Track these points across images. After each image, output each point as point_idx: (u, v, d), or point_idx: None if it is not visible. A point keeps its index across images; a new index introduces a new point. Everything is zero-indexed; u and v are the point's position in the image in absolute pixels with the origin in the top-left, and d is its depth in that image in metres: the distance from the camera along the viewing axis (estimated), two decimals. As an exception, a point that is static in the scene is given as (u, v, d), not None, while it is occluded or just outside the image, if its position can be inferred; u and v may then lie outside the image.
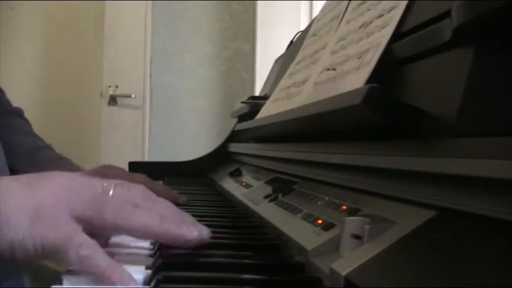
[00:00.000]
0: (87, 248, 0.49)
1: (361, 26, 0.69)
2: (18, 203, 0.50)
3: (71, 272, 0.49)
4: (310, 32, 1.02)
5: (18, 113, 1.24)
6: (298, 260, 0.52)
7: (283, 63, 1.37)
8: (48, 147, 1.21)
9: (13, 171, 1.01)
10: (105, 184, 0.54)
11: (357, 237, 0.44)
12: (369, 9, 0.69)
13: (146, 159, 2.47)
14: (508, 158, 0.31)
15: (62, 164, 1.11)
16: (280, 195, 0.75)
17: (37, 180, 0.53)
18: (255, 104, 1.22)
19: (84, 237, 0.50)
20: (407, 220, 0.41)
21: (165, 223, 0.54)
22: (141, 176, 0.97)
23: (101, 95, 2.53)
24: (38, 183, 0.52)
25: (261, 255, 0.57)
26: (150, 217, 0.54)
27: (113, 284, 0.47)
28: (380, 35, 0.60)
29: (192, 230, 0.55)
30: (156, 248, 0.59)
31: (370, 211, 0.48)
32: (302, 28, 1.47)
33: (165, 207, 0.58)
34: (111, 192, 0.54)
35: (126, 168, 1.54)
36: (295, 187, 0.75)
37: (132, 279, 0.48)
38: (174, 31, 2.58)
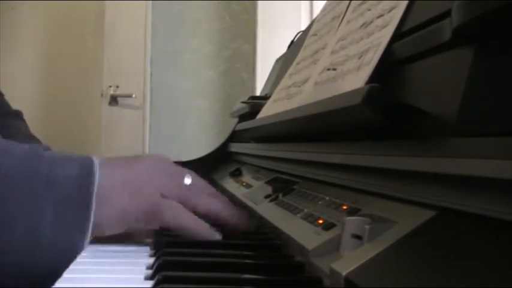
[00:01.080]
0: (177, 208, 0.61)
1: (361, 26, 0.69)
2: (118, 179, 0.60)
3: (70, 272, 0.49)
4: (311, 32, 1.02)
5: (18, 115, 1.25)
6: (298, 259, 0.52)
7: (283, 63, 1.37)
8: (48, 149, 1.22)
9: None
10: (186, 173, 0.68)
11: (357, 237, 0.44)
12: (369, 9, 0.69)
13: (146, 159, 2.47)
14: (508, 158, 0.31)
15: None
16: (280, 195, 0.75)
17: (132, 160, 0.65)
18: (256, 104, 1.22)
19: (172, 202, 0.61)
20: (408, 220, 0.41)
21: (231, 211, 0.67)
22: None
23: (102, 95, 2.53)
24: (133, 162, 0.64)
25: (261, 255, 0.57)
26: (220, 203, 0.67)
27: (200, 235, 0.61)
28: (380, 34, 0.60)
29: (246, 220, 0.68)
30: (156, 247, 0.59)
31: (370, 211, 0.48)
32: (302, 28, 1.47)
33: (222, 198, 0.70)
34: (189, 181, 0.67)
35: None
36: (295, 187, 0.75)
37: (214, 233, 0.62)
38: (174, 31, 2.58)
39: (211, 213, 0.64)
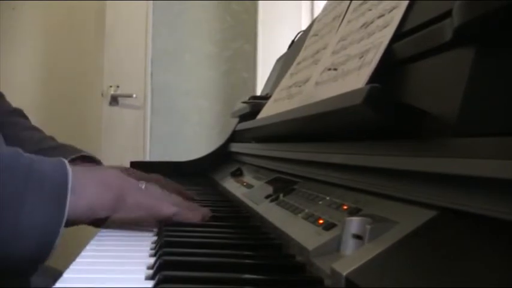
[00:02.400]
0: (139, 194, 0.72)
1: (362, 26, 0.69)
2: (88, 177, 0.68)
3: (71, 271, 0.50)
4: (312, 32, 1.02)
5: (19, 113, 1.28)
6: (299, 259, 0.52)
7: (284, 63, 1.37)
8: (51, 138, 1.28)
9: None
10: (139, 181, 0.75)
11: (358, 237, 0.44)
12: (370, 9, 0.69)
13: (147, 159, 2.47)
14: (508, 158, 0.31)
15: (66, 148, 1.21)
16: (281, 195, 0.75)
17: (95, 168, 0.77)
18: (256, 104, 1.22)
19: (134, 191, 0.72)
20: (408, 220, 0.41)
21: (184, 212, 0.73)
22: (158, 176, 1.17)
23: (102, 95, 2.53)
24: (98, 168, 0.77)
25: (261, 255, 0.57)
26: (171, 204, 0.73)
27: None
28: (381, 35, 0.60)
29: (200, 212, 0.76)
30: (157, 248, 0.59)
31: (371, 211, 0.48)
32: (303, 28, 1.47)
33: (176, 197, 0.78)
34: (143, 186, 0.74)
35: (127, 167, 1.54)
36: (296, 187, 0.75)
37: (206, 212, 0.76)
38: (175, 31, 2.57)
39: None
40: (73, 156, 1.11)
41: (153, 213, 0.72)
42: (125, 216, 0.70)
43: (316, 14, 1.88)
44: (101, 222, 0.73)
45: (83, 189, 0.65)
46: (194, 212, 0.75)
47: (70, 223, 0.63)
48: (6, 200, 0.58)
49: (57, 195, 0.61)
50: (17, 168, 0.61)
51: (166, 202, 0.73)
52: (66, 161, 0.65)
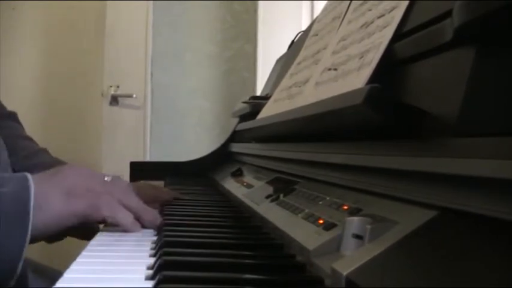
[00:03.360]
0: (112, 204, 0.69)
1: (362, 26, 0.69)
2: (51, 187, 0.66)
3: (71, 272, 0.50)
4: (312, 32, 1.02)
5: (12, 117, 1.27)
6: (299, 259, 0.52)
7: (284, 63, 1.37)
8: (44, 151, 1.25)
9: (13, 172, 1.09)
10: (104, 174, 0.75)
11: (358, 237, 0.44)
12: (370, 10, 0.69)
13: (147, 159, 2.47)
14: (508, 158, 0.31)
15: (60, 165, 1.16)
16: (281, 195, 0.75)
17: (58, 170, 0.71)
18: (256, 104, 1.22)
19: (108, 198, 0.70)
20: (409, 220, 0.41)
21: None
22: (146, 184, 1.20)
23: (102, 94, 2.53)
24: (60, 172, 0.70)
25: (262, 255, 0.57)
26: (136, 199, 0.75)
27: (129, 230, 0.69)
28: (381, 35, 0.60)
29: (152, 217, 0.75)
30: (157, 248, 0.59)
31: (371, 211, 0.48)
32: (303, 28, 1.47)
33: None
34: (109, 179, 0.74)
35: (127, 167, 1.54)
36: (296, 187, 0.75)
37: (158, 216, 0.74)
38: (175, 31, 2.57)
39: (132, 209, 0.73)
40: None
41: (123, 226, 0.70)
42: (99, 216, 0.69)
43: (316, 14, 1.88)
44: (89, 233, 0.73)
45: (47, 202, 0.64)
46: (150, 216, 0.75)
47: (40, 238, 0.64)
48: None
49: (20, 216, 0.61)
50: None
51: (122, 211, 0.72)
52: (29, 178, 0.64)
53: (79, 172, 0.72)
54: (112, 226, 0.72)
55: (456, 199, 0.37)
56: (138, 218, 0.73)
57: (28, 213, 0.61)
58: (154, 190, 1.03)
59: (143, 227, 0.73)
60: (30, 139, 1.27)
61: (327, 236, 0.49)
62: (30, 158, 1.19)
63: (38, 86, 2.75)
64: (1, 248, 0.59)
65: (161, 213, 0.82)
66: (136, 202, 0.74)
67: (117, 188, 0.73)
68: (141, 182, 1.28)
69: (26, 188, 0.63)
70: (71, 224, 0.67)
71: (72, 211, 0.66)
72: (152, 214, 0.75)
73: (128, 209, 0.72)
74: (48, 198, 0.65)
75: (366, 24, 0.67)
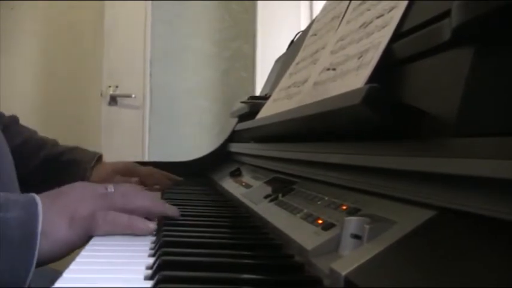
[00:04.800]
0: (110, 216, 0.69)
1: (361, 26, 0.69)
2: (55, 212, 0.66)
3: (70, 272, 0.49)
4: (311, 32, 1.02)
5: (16, 120, 1.29)
6: (298, 259, 0.52)
7: (283, 63, 1.38)
8: (56, 144, 1.33)
9: (52, 159, 1.23)
10: (106, 186, 0.75)
11: (357, 237, 0.44)
12: (369, 9, 0.69)
13: (146, 159, 2.47)
14: (508, 158, 0.31)
15: (79, 151, 1.32)
16: (280, 195, 0.75)
17: (60, 193, 0.71)
18: (255, 104, 1.22)
19: (105, 213, 0.69)
20: (407, 220, 0.41)
21: (153, 202, 0.76)
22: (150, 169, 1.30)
23: (101, 95, 2.53)
24: (62, 194, 0.71)
25: (260, 255, 0.57)
26: (143, 199, 0.75)
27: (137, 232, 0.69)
28: (380, 35, 0.60)
29: (167, 208, 0.77)
30: (156, 248, 0.59)
31: (370, 211, 0.48)
32: (302, 28, 1.47)
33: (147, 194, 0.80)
34: (112, 189, 0.75)
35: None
36: (295, 187, 0.75)
37: (149, 227, 0.70)
38: (174, 31, 2.57)
39: (138, 209, 0.73)
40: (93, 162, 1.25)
41: (132, 231, 0.70)
42: (101, 233, 0.69)
43: (315, 14, 1.89)
44: None
45: (53, 229, 0.64)
46: (164, 208, 0.76)
47: (43, 264, 0.64)
48: None
49: (26, 244, 0.60)
50: None
51: (140, 218, 0.71)
52: (38, 203, 0.64)
53: (81, 194, 0.71)
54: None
55: (455, 199, 0.37)
56: (149, 214, 0.73)
57: (35, 241, 0.61)
58: (154, 177, 1.06)
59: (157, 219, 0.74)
60: (33, 138, 1.31)
61: (326, 236, 0.49)
62: (69, 153, 1.27)
63: (37, 86, 2.75)
64: (7, 274, 0.59)
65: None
66: (141, 202, 0.74)
67: (121, 198, 0.73)
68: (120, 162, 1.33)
69: (34, 215, 0.63)
70: (75, 249, 0.67)
71: (73, 239, 0.66)
72: (161, 205, 0.77)
73: (137, 213, 0.72)
74: (54, 225, 0.65)
75: (365, 24, 0.67)
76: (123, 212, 0.71)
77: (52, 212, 0.66)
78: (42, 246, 0.61)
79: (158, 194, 1.08)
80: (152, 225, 0.70)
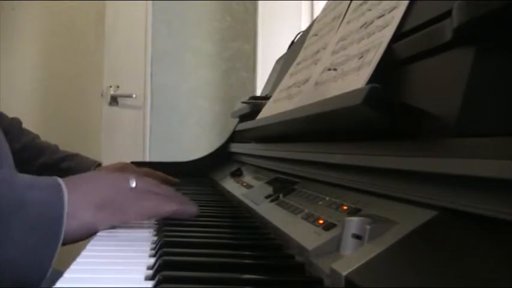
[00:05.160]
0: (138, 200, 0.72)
1: (362, 26, 0.69)
2: (81, 196, 0.67)
3: (71, 272, 0.50)
4: (311, 32, 1.02)
5: (19, 121, 1.31)
6: (298, 260, 0.52)
7: (284, 63, 1.38)
8: (57, 150, 1.35)
9: (49, 166, 1.26)
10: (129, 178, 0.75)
11: (358, 237, 0.44)
12: (370, 10, 0.69)
13: (147, 159, 2.47)
14: (508, 158, 0.31)
15: (80, 158, 1.34)
16: (281, 196, 0.75)
17: (88, 178, 0.74)
18: (256, 104, 1.22)
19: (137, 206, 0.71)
20: (408, 220, 0.41)
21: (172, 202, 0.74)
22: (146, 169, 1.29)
23: (102, 95, 2.53)
24: (90, 180, 0.73)
25: (261, 255, 0.57)
26: (162, 199, 0.75)
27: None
28: (381, 35, 0.60)
29: (191, 205, 0.77)
30: (157, 248, 0.59)
31: (370, 211, 0.48)
32: (303, 28, 1.47)
33: (168, 190, 0.80)
34: (134, 183, 0.74)
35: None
36: (296, 187, 0.75)
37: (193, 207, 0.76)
38: (175, 31, 2.57)
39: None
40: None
41: (154, 214, 0.73)
42: (127, 222, 0.71)
43: (316, 14, 1.88)
44: None
45: (79, 212, 0.65)
46: (190, 208, 0.77)
47: (68, 243, 0.65)
48: None
49: (51, 228, 0.61)
50: (6, 203, 0.60)
51: (165, 200, 0.74)
52: (62, 185, 0.65)
53: (105, 182, 0.73)
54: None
55: (456, 199, 0.37)
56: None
57: (61, 224, 0.61)
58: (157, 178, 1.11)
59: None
60: (44, 141, 1.33)
61: (327, 236, 0.49)
62: (56, 153, 1.26)
63: (38, 86, 2.75)
64: (31, 256, 0.59)
65: None
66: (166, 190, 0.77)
67: (142, 192, 0.74)
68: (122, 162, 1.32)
69: (59, 197, 0.63)
70: (93, 234, 0.68)
71: (98, 224, 0.67)
72: (189, 202, 0.78)
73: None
74: (79, 208, 0.65)
75: (366, 24, 0.67)
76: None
77: (78, 195, 0.66)
78: (67, 227, 0.62)
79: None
80: (174, 207, 0.73)
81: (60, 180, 0.66)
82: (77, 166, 1.28)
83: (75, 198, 0.65)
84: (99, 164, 1.33)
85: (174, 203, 0.74)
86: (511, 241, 0.30)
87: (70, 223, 0.63)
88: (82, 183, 0.71)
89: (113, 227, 0.70)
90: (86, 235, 0.67)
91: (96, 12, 2.63)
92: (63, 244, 0.64)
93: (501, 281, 0.28)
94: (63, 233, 0.61)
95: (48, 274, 0.60)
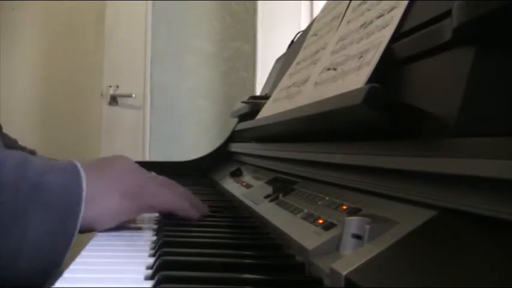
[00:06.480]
0: (159, 192, 0.72)
1: (361, 26, 0.69)
2: (102, 180, 0.66)
3: (70, 271, 0.50)
4: (311, 32, 1.02)
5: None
6: (298, 259, 0.52)
7: (283, 63, 1.38)
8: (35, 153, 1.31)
9: None
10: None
11: (358, 237, 0.44)
12: (369, 9, 0.69)
13: (147, 159, 2.47)
14: (508, 158, 0.31)
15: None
16: (280, 195, 0.75)
17: (107, 162, 0.72)
18: (256, 103, 1.22)
19: (153, 188, 0.71)
20: (408, 220, 0.41)
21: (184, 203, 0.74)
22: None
23: (102, 94, 2.53)
24: (109, 164, 0.71)
25: (261, 255, 0.57)
26: (175, 196, 0.74)
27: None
28: (380, 35, 0.60)
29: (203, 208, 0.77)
30: (156, 247, 0.59)
31: (370, 211, 0.48)
32: (302, 28, 1.47)
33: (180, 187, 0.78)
34: (153, 174, 0.75)
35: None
36: (295, 187, 0.75)
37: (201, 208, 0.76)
38: (175, 31, 2.57)
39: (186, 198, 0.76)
40: None
41: (173, 209, 0.72)
42: (153, 211, 0.72)
43: (315, 14, 1.88)
44: None
45: (101, 196, 0.64)
46: (196, 211, 0.76)
47: (91, 230, 0.64)
48: (9, 220, 0.57)
49: (69, 211, 0.60)
50: (22, 187, 0.59)
51: (184, 201, 0.74)
52: (80, 168, 0.63)
53: (129, 168, 0.72)
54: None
55: (456, 199, 0.37)
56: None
57: (80, 207, 0.60)
58: None
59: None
60: (21, 146, 1.31)
61: (326, 236, 0.49)
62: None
63: (38, 86, 2.75)
64: (49, 240, 0.59)
65: None
66: (185, 193, 0.76)
67: (163, 184, 0.74)
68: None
69: (78, 181, 0.62)
70: (119, 223, 0.68)
71: (124, 211, 0.67)
72: (190, 201, 0.76)
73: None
74: (101, 192, 0.64)
75: (365, 24, 0.67)
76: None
77: (102, 181, 0.65)
78: (88, 210, 0.61)
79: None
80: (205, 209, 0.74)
81: (78, 164, 0.65)
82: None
83: (96, 182, 0.64)
84: None
85: (187, 203, 0.74)
86: (511, 241, 0.30)
87: (91, 206, 0.62)
88: (105, 167, 0.70)
89: (112, 227, 0.70)
90: (113, 221, 0.66)
91: (96, 12, 2.63)
92: (94, 229, 0.64)
93: (501, 281, 0.28)
94: (80, 217, 0.60)
95: (64, 259, 0.59)
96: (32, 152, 1.30)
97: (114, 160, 0.73)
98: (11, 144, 1.27)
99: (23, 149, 1.29)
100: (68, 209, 0.60)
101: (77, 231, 0.60)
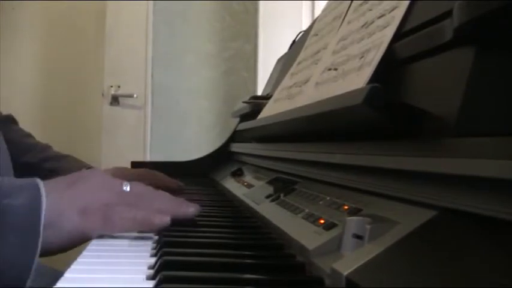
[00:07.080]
0: (124, 212, 0.66)
1: (362, 26, 0.69)
2: (65, 201, 0.63)
3: (72, 271, 0.50)
4: (312, 32, 1.02)
5: (11, 119, 1.29)
6: (299, 259, 0.52)
7: (285, 63, 1.38)
8: (48, 146, 1.32)
9: (31, 166, 1.22)
10: (122, 182, 0.71)
11: (358, 237, 0.44)
12: (371, 9, 0.69)
13: (148, 159, 2.47)
14: (508, 158, 0.31)
15: (69, 160, 1.28)
16: (281, 195, 0.75)
17: (74, 180, 0.68)
18: (257, 103, 1.22)
19: (119, 208, 0.66)
20: (409, 220, 0.41)
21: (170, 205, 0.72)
22: (146, 170, 1.24)
23: (103, 94, 2.53)
24: (76, 182, 0.67)
25: (262, 255, 0.57)
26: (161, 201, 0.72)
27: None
28: (381, 34, 0.60)
29: (188, 207, 0.73)
30: (158, 247, 0.59)
31: (371, 211, 0.48)
32: (304, 28, 1.47)
33: (163, 195, 0.74)
34: (128, 188, 0.70)
35: (128, 167, 1.55)
36: (296, 187, 0.75)
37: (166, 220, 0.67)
38: (175, 31, 2.57)
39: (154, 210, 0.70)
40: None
41: (146, 227, 0.67)
42: (116, 231, 0.66)
43: (316, 14, 1.89)
44: None
45: (61, 217, 0.62)
46: (187, 209, 0.72)
47: (49, 254, 0.62)
48: None
49: (31, 232, 0.58)
50: None
51: (157, 212, 0.68)
52: (41, 188, 0.62)
53: (95, 184, 0.68)
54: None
55: (456, 199, 0.37)
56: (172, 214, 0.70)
57: (38, 231, 0.59)
58: (158, 180, 1.09)
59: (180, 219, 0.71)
60: (32, 136, 1.31)
61: (327, 236, 0.49)
62: (42, 152, 1.24)
63: (38, 86, 2.75)
64: (9, 264, 0.58)
65: None
66: (158, 203, 0.71)
67: (136, 197, 0.70)
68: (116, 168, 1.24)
69: (37, 202, 0.60)
70: (82, 243, 0.65)
71: (85, 232, 0.63)
72: (178, 206, 0.72)
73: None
74: (60, 216, 0.62)
75: (367, 24, 0.67)
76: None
77: (60, 201, 0.63)
78: (49, 236, 0.59)
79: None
80: (166, 219, 0.66)
81: (40, 182, 0.62)
82: (61, 167, 1.22)
83: (58, 201, 0.62)
84: (90, 167, 1.29)
85: (168, 212, 0.69)
86: (511, 241, 0.30)
87: (50, 233, 0.60)
88: (70, 184, 0.66)
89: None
90: (75, 242, 0.63)
91: (97, 12, 2.63)
92: (52, 253, 0.62)
93: (501, 281, 0.28)
94: (40, 241, 0.58)
95: (27, 284, 0.58)
96: (46, 147, 1.31)
97: (86, 174, 0.71)
98: (21, 139, 1.27)
99: (35, 144, 1.30)
100: (27, 234, 0.59)
101: (36, 257, 0.59)
